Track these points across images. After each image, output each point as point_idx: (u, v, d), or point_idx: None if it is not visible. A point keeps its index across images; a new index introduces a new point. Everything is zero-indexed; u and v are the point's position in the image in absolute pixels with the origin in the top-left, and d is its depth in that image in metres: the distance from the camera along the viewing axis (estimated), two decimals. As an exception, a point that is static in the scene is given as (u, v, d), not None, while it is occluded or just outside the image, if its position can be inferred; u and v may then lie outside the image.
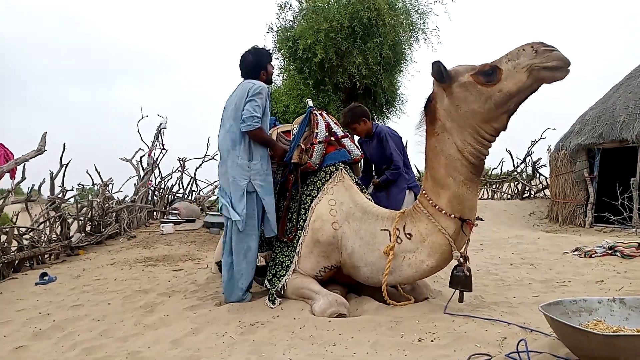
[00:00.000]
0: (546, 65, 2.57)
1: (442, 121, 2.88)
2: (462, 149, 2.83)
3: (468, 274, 2.96)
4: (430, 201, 2.97)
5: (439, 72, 2.82)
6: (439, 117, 2.89)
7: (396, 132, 4.34)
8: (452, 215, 2.90)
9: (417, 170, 11.86)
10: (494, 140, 2.87)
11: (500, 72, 2.67)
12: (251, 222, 3.47)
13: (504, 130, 2.86)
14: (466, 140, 2.82)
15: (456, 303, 3.10)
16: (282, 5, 8.42)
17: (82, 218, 7.50)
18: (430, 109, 2.95)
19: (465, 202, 2.90)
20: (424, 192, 3.05)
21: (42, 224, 6.64)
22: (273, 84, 9.24)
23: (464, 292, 3.03)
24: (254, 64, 3.67)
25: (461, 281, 2.97)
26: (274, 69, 3.79)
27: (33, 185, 7.01)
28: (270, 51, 3.88)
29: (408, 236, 3.04)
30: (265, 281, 3.49)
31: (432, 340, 2.51)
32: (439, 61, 2.82)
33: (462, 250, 2.98)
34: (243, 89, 3.51)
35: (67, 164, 7.53)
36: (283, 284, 3.34)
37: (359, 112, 4.25)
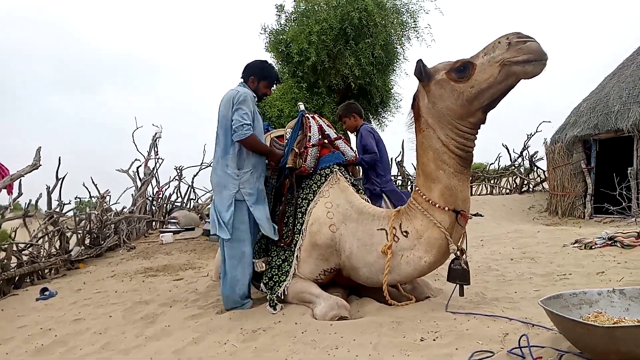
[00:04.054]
0: (517, 60, 2.52)
1: (425, 118, 2.94)
2: (447, 143, 2.87)
3: (465, 267, 2.96)
4: (424, 196, 2.98)
5: (420, 70, 2.88)
6: (422, 114, 2.96)
7: (374, 131, 4.77)
8: (446, 208, 2.91)
9: (414, 167, 11.83)
10: (475, 134, 2.90)
11: (474, 68, 2.67)
12: (243, 228, 3.46)
13: (483, 124, 2.87)
14: (448, 135, 2.86)
15: (457, 300, 3.09)
16: (280, 7, 8.43)
17: (80, 231, 7.48)
18: (415, 107, 3.02)
19: (458, 193, 2.91)
20: (417, 188, 3.07)
21: (41, 239, 6.63)
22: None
23: (464, 286, 3.02)
24: (252, 68, 3.65)
25: (459, 274, 2.97)
26: (267, 90, 3.71)
27: (30, 200, 7.01)
28: (279, 78, 3.85)
29: (405, 234, 3.04)
30: (262, 285, 3.48)
31: (434, 340, 2.50)
32: (420, 60, 2.88)
33: (459, 243, 2.98)
34: (228, 98, 3.48)
35: (64, 177, 7.53)
36: (283, 289, 3.33)
37: (352, 108, 4.80)
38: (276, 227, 3.55)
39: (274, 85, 3.88)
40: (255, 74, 3.65)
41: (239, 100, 3.42)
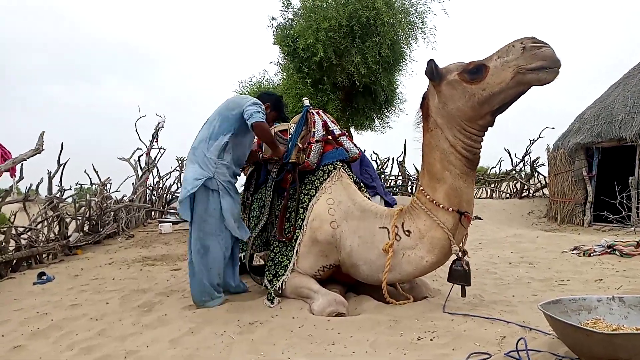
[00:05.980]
0: (531, 67, 2.50)
1: (434, 117, 2.93)
2: (455, 143, 2.86)
3: (467, 268, 2.96)
4: (428, 196, 2.97)
5: (431, 70, 2.86)
6: (431, 113, 2.95)
7: None
8: (450, 209, 2.90)
9: (415, 168, 11.86)
10: (483, 135, 2.89)
11: (487, 70, 2.65)
12: (211, 221, 3.41)
13: (491, 126, 2.87)
14: (456, 136, 2.85)
15: (455, 302, 3.09)
16: (287, 1, 8.40)
17: (80, 217, 7.48)
18: (424, 106, 3.01)
19: (462, 194, 2.91)
20: (421, 188, 3.06)
21: (40, 224, 6.63)
22: (272, 82, 9.28)
23: (465, 287, 3.02)
24: (269, 96, 3.92)
25: (460, 275, 2.96)
26: (270, 122, 3.91)
27: (31, 184, 7.00)
28: (285, 119, 4.11)
29: (407, 233, 3.04)
30: (265, 281, 3.48)
31: (431, 339, 2.50)
32: (432, 60, 2.86)
33: (460, 244, 2.97)
34: (242, 97, 3.61)
35: (65, 163, 7.52)
36: (282, 283, 3.33)
37: None
38: (244, 224, 3.64)
39: (276, 122, 4.02)
40: (271, 102, 3.83)
41: (258, 103, 3.51)
